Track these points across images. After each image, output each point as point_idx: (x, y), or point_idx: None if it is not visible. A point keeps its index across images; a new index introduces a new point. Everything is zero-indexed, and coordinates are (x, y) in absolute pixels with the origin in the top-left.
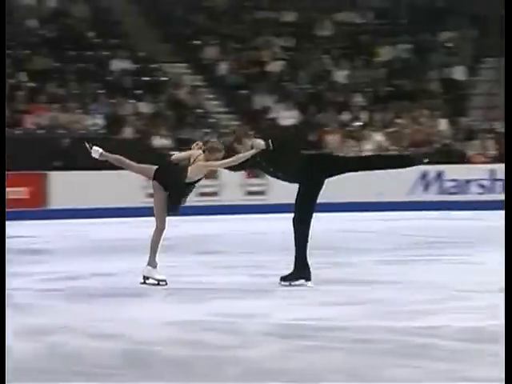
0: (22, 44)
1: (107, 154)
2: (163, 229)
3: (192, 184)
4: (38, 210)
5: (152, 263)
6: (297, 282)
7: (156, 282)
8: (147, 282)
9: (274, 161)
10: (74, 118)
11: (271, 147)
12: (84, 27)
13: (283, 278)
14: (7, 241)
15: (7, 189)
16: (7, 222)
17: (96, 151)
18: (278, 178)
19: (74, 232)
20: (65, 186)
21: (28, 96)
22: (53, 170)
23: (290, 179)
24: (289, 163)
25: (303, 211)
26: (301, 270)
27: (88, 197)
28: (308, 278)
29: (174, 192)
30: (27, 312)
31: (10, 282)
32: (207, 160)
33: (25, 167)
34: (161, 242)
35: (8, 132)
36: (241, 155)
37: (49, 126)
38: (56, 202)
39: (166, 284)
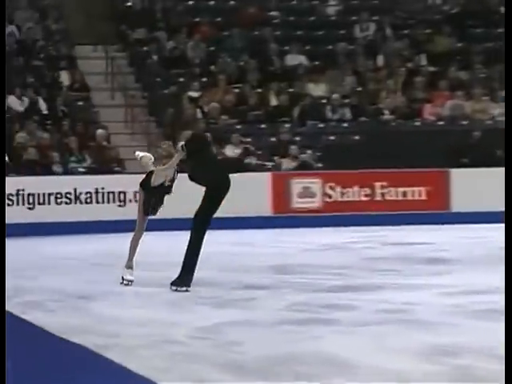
0: (422, 22)
1: None
2: (139, 231)
3: (161, 187)
4: (439, 212)
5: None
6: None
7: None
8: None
9: (188, 164)
10: (480, 107)
11: (184, 150)
12: (493, 2)
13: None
14: (407, 247)
15: (405, 188)
16: (405, 227)
17: None
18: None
19: (477, 239)
20: (468, 186)
21: (428, 82)
22: (456, 167)
23: (198, 181)
24: (196, 165)
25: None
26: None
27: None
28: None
29: (147, 195)
30: (427, 329)
31: (365, 296)
32: (164, 164)
33: (424, 164)
34: (138, 244)
35: (405, 124)
36: (173, 159)
37: (450, 116)
38: (458, 205)
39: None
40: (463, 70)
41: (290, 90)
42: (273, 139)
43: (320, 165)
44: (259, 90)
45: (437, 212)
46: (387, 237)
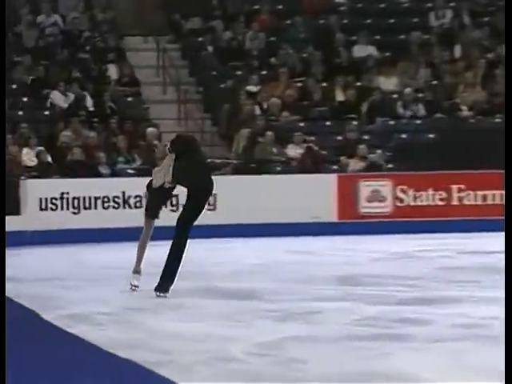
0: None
1: None
2: (145, 235)
3: (161, 190)
4: None
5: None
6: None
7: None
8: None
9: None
10: None
11: (170, 152)
12: None
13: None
14: (487, 257)
15: (485, 192)
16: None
17: None
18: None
19: None
20: None
21: None
22: None
23: (181, 183)
24: (180, 167)
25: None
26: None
27: None
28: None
29: (149, 197)
30: None
31: None
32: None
33: None
34: (145, 249)
35: (485, 121)
36: (164, 161)
37: None
38: None
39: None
40: None
41: (358, 83)
42: (339, 138)
43: (390, 166)
44: (324, 85)
45: None
46: (465, 245)
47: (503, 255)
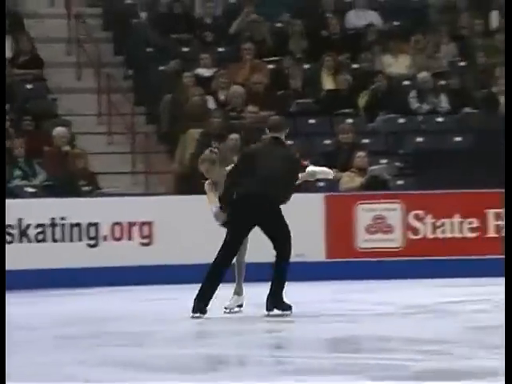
0: None
1: None
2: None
3: None
4: None
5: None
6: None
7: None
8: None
9: None
10: None
11: None
12: None
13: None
14: None
15: None
16: None
17: None
18: None
19: None
20: None
21: None
22: None
23: None
24: None
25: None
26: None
27: None
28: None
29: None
30: None
31: None
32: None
33: None
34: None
35: None
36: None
37: None
38: None
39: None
40: None
41: (354, 66)
42: (327, 142)
43: (400, 182)
44: (306, 67)
45: None
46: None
47: None
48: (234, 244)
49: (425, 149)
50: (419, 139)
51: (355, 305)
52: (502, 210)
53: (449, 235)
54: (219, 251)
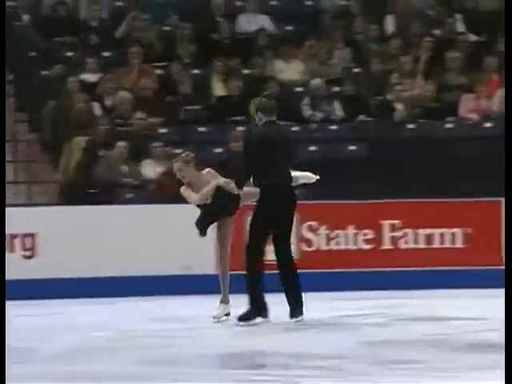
0: None
1: None
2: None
3: None
4: (487, 269)
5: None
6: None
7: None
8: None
9: None
10: None
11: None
12: None
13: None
14: (437, 325)
15: (432, 230)
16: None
17: None
18: None
19: None
20: None
21: (468, 60)
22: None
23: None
24: None
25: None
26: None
27: None
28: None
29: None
30: None
31: None
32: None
33: (463, 190)
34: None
35: (432, 127)
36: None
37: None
38: None
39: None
40: None
41: (246, 71)
42: (219, 150)
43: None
44: (196, 72)
45: (485, 268)
46: (404, 308)
47: (461, 322)
48: (261, 236)
49: (318, 158)
50: (312, 148)
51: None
52: (397, 221)
53: (343, 247)
54: (249, 244)
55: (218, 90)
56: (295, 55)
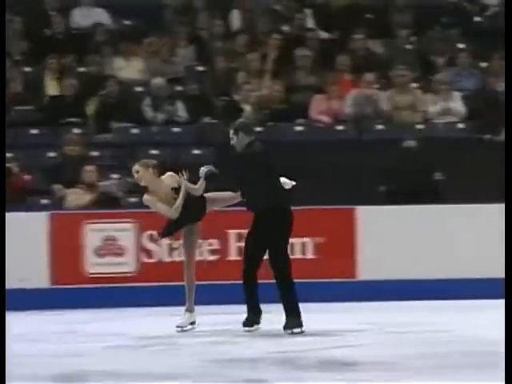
0: None
1: None
2: None
3: None
4: (341, 281)
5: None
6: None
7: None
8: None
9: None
10: (406, 100)
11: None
12: None
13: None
14: (282, 343)
15: None
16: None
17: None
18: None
19: (403, 328)
20: (386, 236)
21: (318, 58)
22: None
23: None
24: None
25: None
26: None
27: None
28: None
29: None
30: None
31: None
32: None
33: (315, 197)
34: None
35: (281, 129)
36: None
37: (356, 115)
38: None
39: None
40: (377, 39)
41: (81, 69)
42: (52, 154)
43: (134, 199)
44: (26, 70)
45: (338, 281)
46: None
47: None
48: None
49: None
50: (154, 152)
51: (83, 337)
52: (244, 231)
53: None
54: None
55: (52, 89)
56: (135, 52)
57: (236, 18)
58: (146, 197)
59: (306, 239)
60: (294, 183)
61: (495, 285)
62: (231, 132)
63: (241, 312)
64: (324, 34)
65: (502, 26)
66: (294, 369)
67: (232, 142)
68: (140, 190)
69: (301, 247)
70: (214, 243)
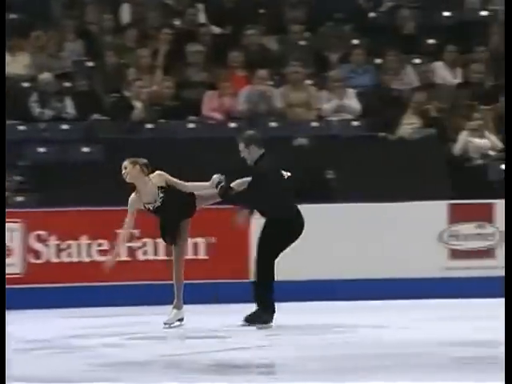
0: None
1: None
2: None
3: None
4: (236, 282)
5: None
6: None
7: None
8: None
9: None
10: (301, 97)
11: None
12: None
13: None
14: (182, 345)
15: None
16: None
17: None
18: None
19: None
20: None
21: (210, 53)
22: None
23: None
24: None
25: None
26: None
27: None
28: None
29: None
30: None
31: None
32: None
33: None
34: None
35: (172, 127)
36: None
37: (249, 112)
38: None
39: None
40: (271, 35)
41: None
42: None
43: (20, 198)
44: None
45: (230, 281)
46: (140, 326)
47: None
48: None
49: (48, 160)
50: (41, 149)
51: None
52: (136, 231)
53: (75, 259)
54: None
55: None
56: (21, 47)
57: (126, 12)
58: (131, 196)
59: (198, 239)
60: (289, 174)
61: (377, 285)
62: (242, 145)
63: (133, 313)
64: (216, 30)
65: (397, 22)
66: (183, 372)
67: (242, 155)
68: (25, 189)
69: (192, 247)
70: (104, 243)
